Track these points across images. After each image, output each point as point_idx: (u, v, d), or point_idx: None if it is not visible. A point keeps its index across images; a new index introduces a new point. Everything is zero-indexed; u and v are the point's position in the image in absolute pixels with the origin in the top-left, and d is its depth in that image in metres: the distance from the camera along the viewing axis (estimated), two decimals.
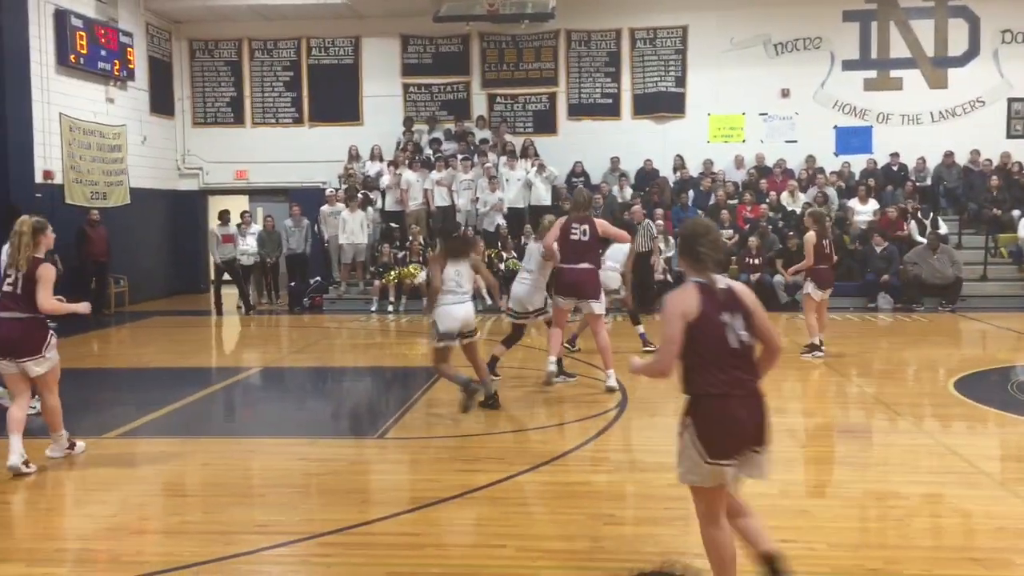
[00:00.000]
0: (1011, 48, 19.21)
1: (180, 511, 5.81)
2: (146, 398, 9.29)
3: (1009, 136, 19.27)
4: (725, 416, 3.77)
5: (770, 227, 17.44)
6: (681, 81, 20.03)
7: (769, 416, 3.89)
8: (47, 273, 6.52)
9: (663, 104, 20.07)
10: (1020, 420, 7.86)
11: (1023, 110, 19.30)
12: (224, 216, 17.55)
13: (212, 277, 18.46)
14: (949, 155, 18.88)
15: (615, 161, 19.47)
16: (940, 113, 19.47)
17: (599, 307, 9.13)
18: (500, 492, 5.94)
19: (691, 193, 18.65)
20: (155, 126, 19.96)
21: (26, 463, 6.38)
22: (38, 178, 15.81)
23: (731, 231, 17.54)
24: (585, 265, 8.98)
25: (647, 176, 19.36)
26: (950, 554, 4.84)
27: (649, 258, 15.63)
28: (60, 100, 16.43)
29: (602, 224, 9.27)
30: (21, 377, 6.54)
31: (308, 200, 18.69)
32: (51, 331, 6.67)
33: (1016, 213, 17.53)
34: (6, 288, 6.57)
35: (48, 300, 6.49)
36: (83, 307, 6.83)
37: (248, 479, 6.49)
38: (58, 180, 16.36)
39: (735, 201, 18.30)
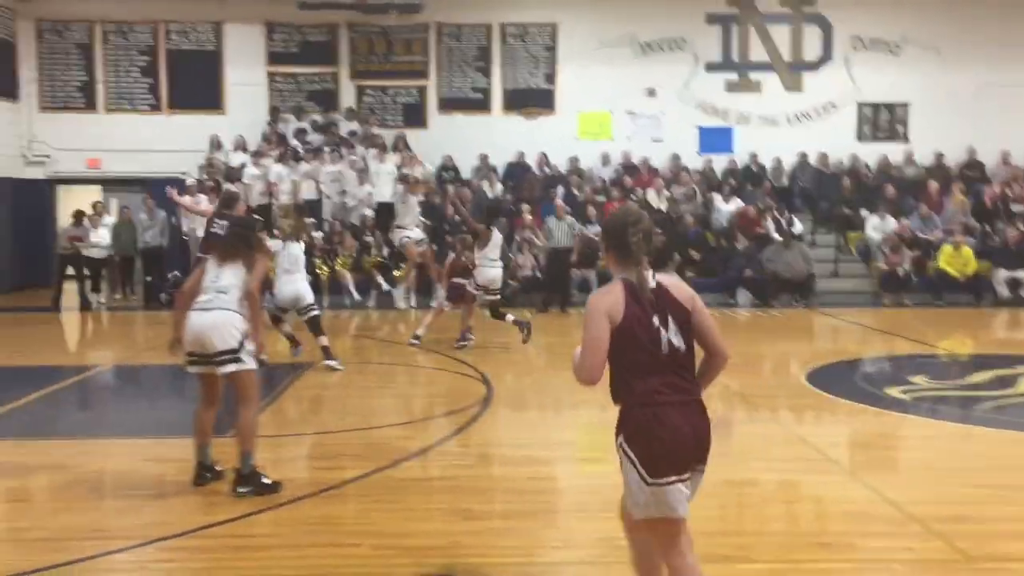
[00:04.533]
0: (861, 54, 20.16)
1: (9, 518, 5.42)
2: None
3: (859, 139, 20.24)
4: (663, 426, 3.30)
5: None
6: (551, 78, 20.18)
7: (710, 428, 3.45)
8: None
9: (533, 100, 20.17)
10: (867, 409, 8.20)
11: (871, 114, 20.32)
12: (79, 216, 16.87)
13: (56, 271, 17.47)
14: (803, 156, 19.69)
15: (484, 157, 19.44)
16: (795, 116, 20.26)
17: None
18: (358, 489, 5.77)
19: (559, 189, 18.82)
20: None
21: None
22: None
23: (597, 228, 17.77)
24: None
25: (517, 171, 19.42)
26: (800, 539, 4.97)
27: (569, 254, 15.85)
28: None
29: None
30: None
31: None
32: None
33: (864, 212, 18.40)
34: None
35: None
36: None
37: (89, 482, 6.07)
38: None
39: (602, 198, 18.55)
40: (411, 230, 13.73)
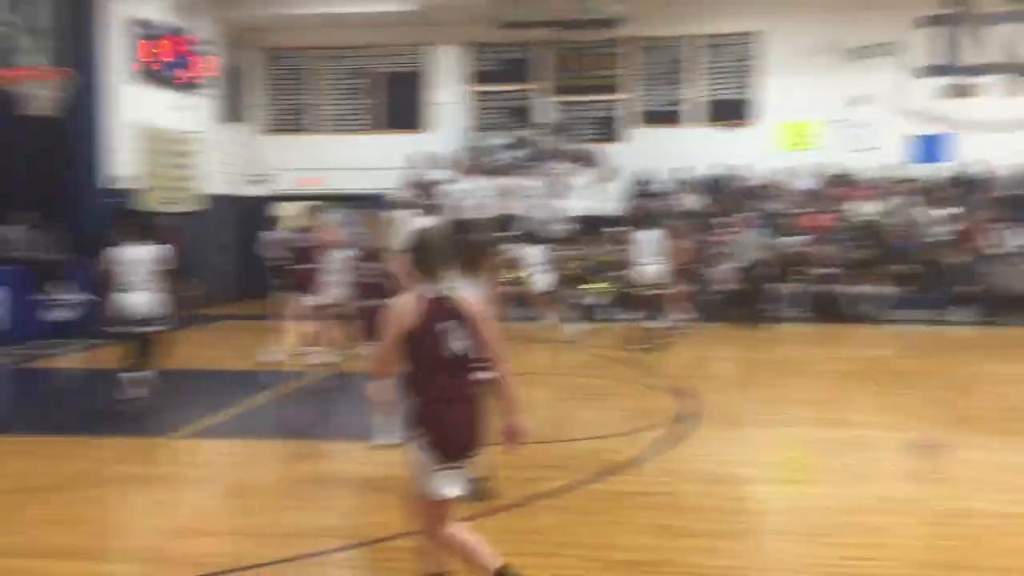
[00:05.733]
0: None
1: (241, 512, 5.86)
2: (215, 399, 9.40)
3: None
4: (447, 421, 3.90)
5: (840, 236, 17.09)
6: (750, 88, 19.74)
7: (482, 423, 4.01)
8: None
9: (732, 111, 19.80)
10: None
11: None
12: (273, 222, 18.04)
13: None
14: None
15: (680, 170, 19.25)
16: (1019, 121, 18.84)
17: None
18: (563, 500, 5.86)
19: (758, 201, 18.34)
20: (227, 133, 20.35)
21: None
22: (112, 184, 16.22)
23: (800, 239, 17.23)
24: None
25: (714, 184, 19.12)
26: None
27: (766, 267, 15.65)
28: (134, 107, 16.83)
29: None
30: None
31: (376, 207, 18.81)
32: None
33: None
34: None
35: None
36: None
37: (316, 481, 6.49)
38: (132, 186, 16.76)
39: (804, 210, 17.94)
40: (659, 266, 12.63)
